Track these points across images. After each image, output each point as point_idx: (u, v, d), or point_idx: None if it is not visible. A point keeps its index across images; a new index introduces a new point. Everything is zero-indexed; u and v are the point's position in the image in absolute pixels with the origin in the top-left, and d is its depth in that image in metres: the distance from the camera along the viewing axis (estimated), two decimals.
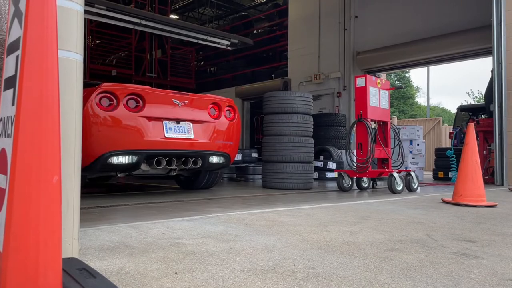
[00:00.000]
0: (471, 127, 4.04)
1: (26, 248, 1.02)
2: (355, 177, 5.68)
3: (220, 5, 17.72)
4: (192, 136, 4.38)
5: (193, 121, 4.44)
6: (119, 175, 4.38)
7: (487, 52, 8.78)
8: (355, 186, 5.76)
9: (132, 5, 13.48)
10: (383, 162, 5.76)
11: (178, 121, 4.30)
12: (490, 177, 7.14)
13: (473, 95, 36.02)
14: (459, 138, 9.47)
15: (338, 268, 1.60)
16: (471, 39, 9.48)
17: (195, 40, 9.77)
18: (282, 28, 14.29)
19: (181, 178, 5.55)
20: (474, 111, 10.91)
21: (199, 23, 17.23)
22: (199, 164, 4.46)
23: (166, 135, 4.16)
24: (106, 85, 3.93)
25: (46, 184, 1.03)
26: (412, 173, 5.48)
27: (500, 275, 1.55)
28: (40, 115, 1.03)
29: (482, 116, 9.52)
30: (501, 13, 6.92)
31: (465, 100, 36.12)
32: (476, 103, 27.40)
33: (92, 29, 13.66)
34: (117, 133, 3.88)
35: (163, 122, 4.19)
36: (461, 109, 11.90)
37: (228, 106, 4.80)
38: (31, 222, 1.02)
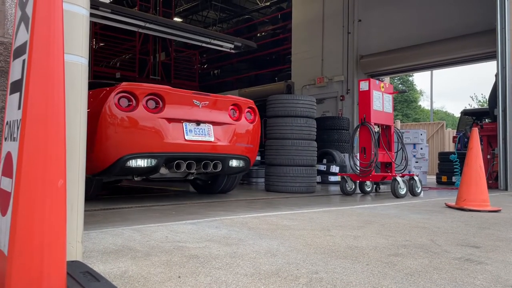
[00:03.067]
0: (475, 132, 4.03)
1: (31, 251, 1.02)
2: (358, 181, 5.66)
3: (224, 8, 17.77)
4: (212, 139, 4.18)
5: (213, 123, 4.23)
6: (135, 178, 4.19)
7: (491, 56, 8.76)
8: (358, 190, 5.75)
9: (136, 8, 13.53)
10: (387, 166, 5.75)
11: (198, 122, 4.10)
12: (494, 182, 7.11)
13: (476, 99, 35.93)
14: (462, 142, 9.44)
15: (341, 273, 1.59)
16: (475, 43, 9.46)
17: (199, 43, 9.80)
18: (285, 31, 14.31)
19: (198, 182, 5.33)
20: (478, 115, 10.88)
21: (203, 26, 17.27)
22: (219, 168, 4.26)
23: (186, 137, 3.97)
24: (125, 85, 3.73)
25: (51, 187, 1.04)
26: (416, 177, 5.47)
27: (505, 281, 1.54)
28: (46, 119, 1.03)
29: (486, 120, 9.49)
30: (505, 18, 6.91)
31: (469, 104, 36.02)
32: (479, 107, 27.32)
33: (96, 31, 13.72)
34: (136, 135, 3.70)
35: (183, 123, 4.00)
36: (465, 113, 11.86)
37: (248, 107, 4.58)
38: (36, 225, 1.03)
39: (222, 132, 4.29)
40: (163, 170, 4.10)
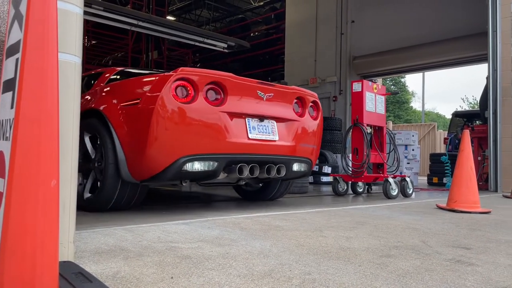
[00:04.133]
0: (466, 134, 4.07)
1: (23, 251, 1.01)
2: (350, 182, 5.69)
3: (217, 7, 17.74)
4: (276, 138, 3.56)
5: (277, 119, 3.62)
6: (183, 184, 3.58)
7: (482, 58, 8.86)
8: (350, 191, 5.77)
9: (129, 6, 13.46)
10: (378, 167, 5.78)
11: (262, 118, 3.48)
12: (484, 183, 7.18)
13: (467, 101, 36.25)
14: (453, 143, 9.53)
15: (334, 274, 1.60)
16: (467, 46, 9.56)
17: (192, 42, 9.78)
18: (279, 31, 14.33)
19: (246, 187, 4.60)
20: (469, 117, 10.98)
21: (196, 25, 17.23)
22: (283, 172, 3.61)
23: (250, 135, 3.35)
24: (184, 70, 3.09)
25: (44, 188, 1.03)
26: (407, 179, 5.51)
27: (495, 283, 1.56)
28: (39, 119, 1.02)
29: (477, 122, 9.59)
30: (497, 21, 6.98)
31: (460, 106, 36.36)
32: (471, 109, 27.57)
33: (88, 29, 13.63)
34: (195, 133, 3.08)
35: (246, 119, 3.37)
36: (456, 115, 11.97)
37: (312, 101, 3.94)
38: (28, 225, 1.02)
39: (286, 130, 3.68)
40: (221, 175, 3.42)
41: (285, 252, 1.93)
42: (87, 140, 3.39)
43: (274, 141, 3.53)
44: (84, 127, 3.23)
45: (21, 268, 1.00)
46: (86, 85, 4.15)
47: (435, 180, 8.99)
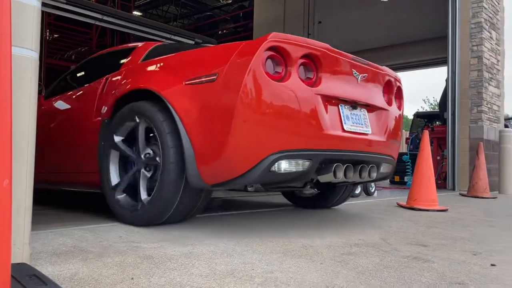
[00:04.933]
0: (426, 134, 4.21)
1: None
2: None
3: (185, 4, 17.55)
4: (369, 131, 2.78)
5: (368, 107, 2.85)
6: (249, 189, 2.59)
7: (442, 61, 9.17)
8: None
9: (93, 0, 13.10)
10: None
11: (354, 105, 2.71)
12: (442, 182, 7.45)
13: (429, 102, 37.52)
14: (414, 143, 9.82)
15: (296, 272, 1.62)
16: (431, 49, 9.88)
17: (159, 39, 9.62)
18: (247, 30, 14.32)
19: (299, 193, 3.77)
20: (429, 118, 11.35)
21: (163, 21, 16.98)
22: (373, 174, 2.79)
23: (345, 127, 2.57)
24: (276, 36, 2.29)
25: None
26: None
27: (449, 278, 1.62)
28: None
29: (437, 123, 9.93)
30: (456, 26, 7.25)
31: (421, 107, 37.56)
32: (431, 110, 28.52)
33: (50, 22, 13.17)
34: (288, 122, 2.28)
35: (339, 106, 2.59)
36: (417, 115, 12.35)
37: (397, 87, 3.18)
38: None
39: (376, 121, 2.91)
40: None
41: (248, 251, 1.94)
42: (140, 131, 2.57)
43: (367, 134, 2.74)
44: (126, 114, 2.62)
45: None
46: (108, 65, 3.43)
47: (396, 178, 9.24)
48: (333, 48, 2.61)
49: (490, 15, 7.47)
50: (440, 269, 1.76)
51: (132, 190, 2.63)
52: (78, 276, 1.47)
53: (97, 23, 8.54)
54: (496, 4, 7.78)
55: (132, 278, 1.47)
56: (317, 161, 2.41)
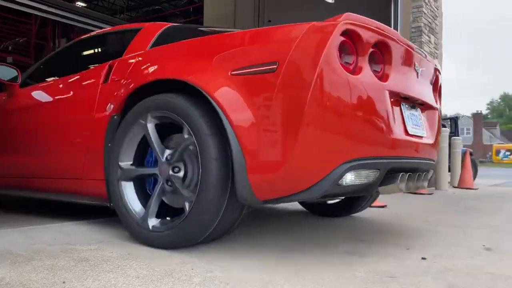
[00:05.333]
0: None
1: None
2: None
3: None
4: (425, 133, 2.40)
5: (422, 106, 2.46)
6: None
7: None
8: None
9: None
10: None
11: (413, 104, 2.34)
12: None
13: None
14: None
15: (235, 271, 1.63)
16: None
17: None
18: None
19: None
20: None
21: (110, 13, 16.41)
22: (425, 182, 2.43)
23: (408, 129, 2.18)
24: (351, 18, 1.92)
25: None
26: None
27: (382, 273, 1.69)
28: None
29: None
30: (398, 29, 7.57)
31: None
32: None
33: None
34: (361, 125, 1.87)
35: (401, 105, 2.19)
36: None
37: (440, 81, 2.75)
38: None
39: (428, 121, 2.53)
40: None
41: (190, 251, 1.92)
42: (151, 130, 2.07)
43: (422, 138, 2.36)
44: (145, 110, 2.07)
45: None
46: (107, 50, 3.04)
47: None
48: (401, 37, 2.23)
49: (429, 20, 7.87)
50: (374, 263, 1.83)
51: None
52: (5, 281, 1.39)
53: (37, 13, 8.11)
54: (435, 9, 8.21)
55: (64, 282, 1.41)
56: (385, 171, 2.01)
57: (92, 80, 2.53)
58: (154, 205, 2.01)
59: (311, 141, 1.72)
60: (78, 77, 2.70)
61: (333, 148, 1.77)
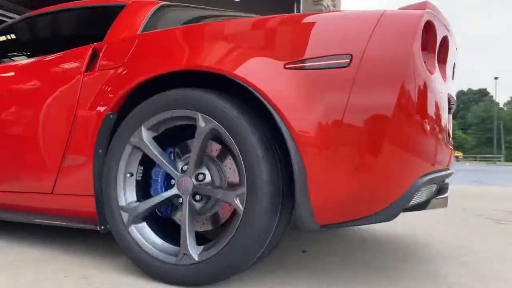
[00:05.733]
0: None
1: None
2: None
3: None
4: (451, 140, 2.12)
5: (450, 109, 2.17)
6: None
7: None
8: None
9: None
10: None
11: (450, 107, 2.10)
12: None
13: None
14: None
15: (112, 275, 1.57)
16: None
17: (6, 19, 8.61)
18: None
19: None
20: None
21: (16, 2, 15.20)
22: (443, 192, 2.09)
23: (450, 138, 1.98)
24: (430, 7, 1.55)
25: None
26: None
27: (268, 267, 1.72)
28: None
29: None
30: None
31: None
32: None
33: None
34: (435, 133, 1.57)
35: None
36: None
37: None
38: None
39: (449, 126, 2.21)
40: None
41: (67, 257, 1.82)
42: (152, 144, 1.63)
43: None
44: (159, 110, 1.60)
45: None
46: (82, 29, 2.42)
47: None
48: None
49: None
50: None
51: (158, 225, 1.67)
52: None
53: None
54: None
55: None
56: (440, 184, 1.75)
57: (64, 67, 1.95)
58: (189, 233, 1.49)
59: (395, 154, 1.39)
60: (44, 63, 2.05)
61: (412, 162, 1.45)
